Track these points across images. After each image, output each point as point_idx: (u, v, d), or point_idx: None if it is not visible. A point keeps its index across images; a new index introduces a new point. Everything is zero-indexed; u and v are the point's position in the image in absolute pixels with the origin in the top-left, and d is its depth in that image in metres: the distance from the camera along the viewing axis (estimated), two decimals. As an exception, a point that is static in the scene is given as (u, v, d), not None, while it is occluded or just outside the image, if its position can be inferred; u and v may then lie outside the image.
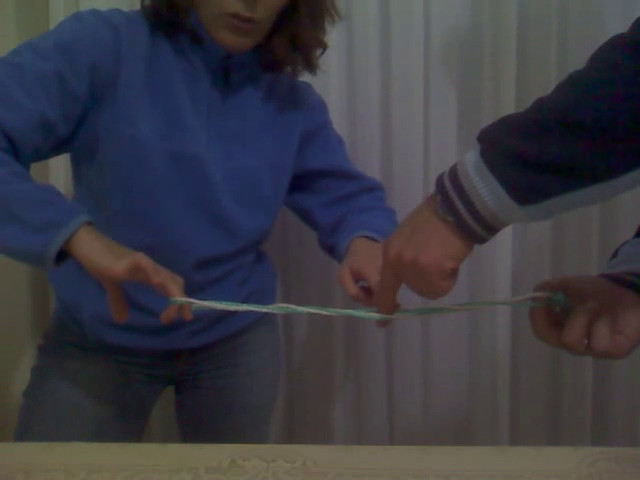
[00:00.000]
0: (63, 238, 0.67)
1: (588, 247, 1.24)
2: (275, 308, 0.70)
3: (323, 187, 1.03)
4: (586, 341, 0.55)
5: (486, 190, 0.50)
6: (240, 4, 0.80)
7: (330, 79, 1.21)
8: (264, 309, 0.69)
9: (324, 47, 0.94)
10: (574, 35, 1.19)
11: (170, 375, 1.00)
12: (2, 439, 0.75)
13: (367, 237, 0.91)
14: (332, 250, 0.99)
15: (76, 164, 0.89)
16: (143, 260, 0.66)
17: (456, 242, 0.54)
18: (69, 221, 0.68)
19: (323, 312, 0.66)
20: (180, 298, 0.67)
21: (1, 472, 0.65)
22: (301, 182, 1.02)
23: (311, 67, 0.94)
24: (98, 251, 0.67)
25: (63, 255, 0.68)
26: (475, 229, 0.52)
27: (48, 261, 0.67)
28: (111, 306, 0.71)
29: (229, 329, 0.98)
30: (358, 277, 0.80)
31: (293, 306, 0.66)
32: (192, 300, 0.68)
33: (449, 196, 0.53)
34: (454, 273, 0.55)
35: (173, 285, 0.68)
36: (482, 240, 0.54)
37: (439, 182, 0.55)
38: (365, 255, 0.84)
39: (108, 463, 0.66)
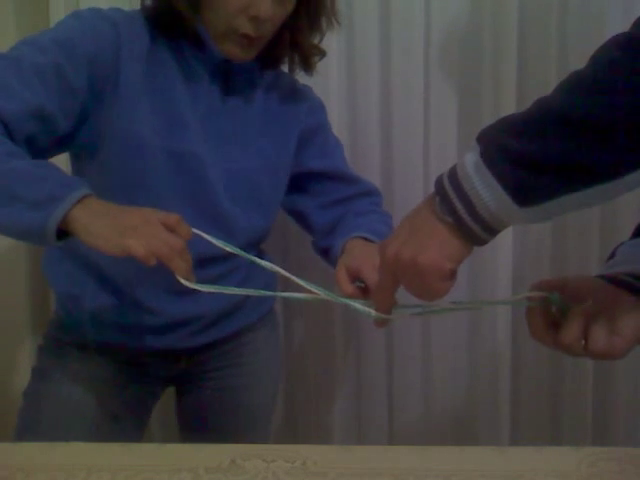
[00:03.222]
0: (61, 213, 0.65)
1: (588, 248, 1.24)
2: (271, 292, 0.70)
3: (320, 189, 1.02)
4: (583, 342, 0.55)
5: (486, 191, 0.50)
6: (250, 25, 0.81)
7: (330, 81, 1.21)
8: (251, 292, 0.68)
9: (322, 54, 0.95)
10: (574, 35, 1.19)
11: (171, 375, 1.00)
12: (2, 439, 0.75)
13: (363, 238, 0.90)
14: (327, 253, 0.98)
15: (77, 162, 0.89)
16: (136, 249, 0.63)
17: (455, 243, 0.53)
18: (66, 196, 0.66)
19: (322, 294, 0.65)
20: (184, 280, 0.66)
21: (1, 472, 0.64)
22: (298, 183, 1.02)
23: (308, 68, 0.95)
24: (93, 234, 0.65)
25: (64, 230, 0.67)
26: (475, 230, 0.52)
27: (49, 237, 0.65)
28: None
29: (229, 329, 0.98)
30: (355, 276, 0.79)
31: (296, 294, 0.67)
32: (195, 285, 0.67)
33: (448, 197, 0.53)
34: (452, 275, 0.55)
35: (176, 262, 0.66)
36: (482, 242, 0.54)
37: (438, 183, 0.55)
38: (361, 254, 0.83)
39: (108, 463, 0.66)
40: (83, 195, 0.67)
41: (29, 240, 0.70)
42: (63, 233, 0.67)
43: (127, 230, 0.65)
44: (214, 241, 0.71)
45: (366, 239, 0.90)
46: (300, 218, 1.06)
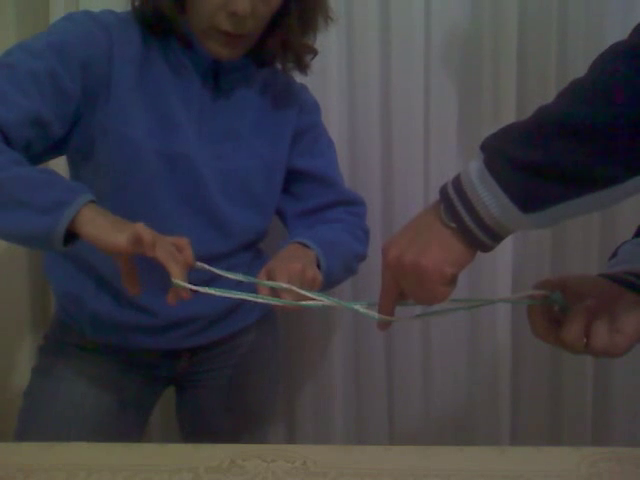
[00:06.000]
0: (69, 217, 0.66)
1: (588, 247, 1.24)
2: (278, 300, 0.70)
3: (303, 192, 1.01)
4: (585, 340, 0.55)
5: (490, 198, 0.51)
6: (230, 22, 0.81)
7: (330, 80, 1.20)
8: (251, 298, 0.68)
9: (314, 53, 0.94)
10: (574, 35, 1.18)
11: (171, 375, 1.00)
12: (2, 439, 0.75)
13: (301, 243, 0.89)
14: None
15: (73, 165, 0.89)
16: (143, 232, 0.64)
17: (459, 248, 0.54)
18: (73, 200, 0.67)
19: (324, 299, 0.66)
20: (179, 281, 0.66)
21: (1, 472, 0.65)
22: (284, 182, 1.00)
23: (301, 67, 0.95)
24: (101, 227, 0.66)
25: (70, 236, 0.67)
26: (480, 237, 0.53)
27: (56, 242, 0.66)
28: (123, 280, 0.69)
29: (229, 329, 0.98)
30: (270, 278, 0.76)
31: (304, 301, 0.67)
32: (191, 286, 0.66)
33: (453, 205, 0.53)
34: (453, 280, 0.55)
35: (173, 265, 0.66)
36: (487, 248, 0.54)
37: (443, 191, 0.55)
38: (282, 256, 0.83)
39: (108, 463, 0.66)
40: (89, 200, 0.68)
41: (34, 245, 0.71)
42: (68, 239, 0.67)
43: (130, 225, 0.66)
44: (218, 272, 0.71)
45: (303, 244, 0.89)
46: (280, 219, 1.05)
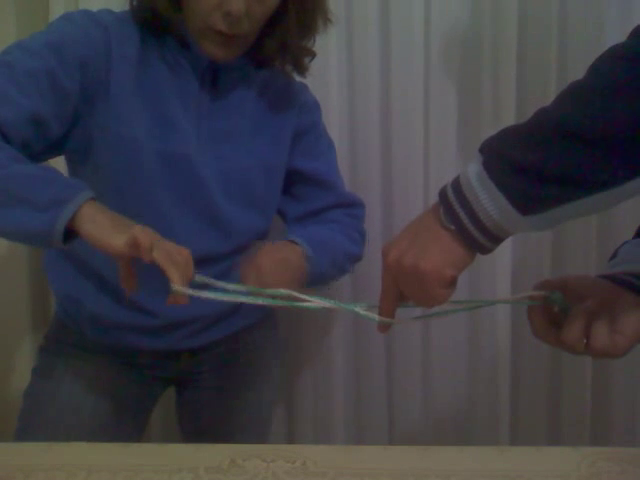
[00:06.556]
0: (68, 215, 0.65)
1: (588, 247, 1.24)
2: (278, 301, 0.69)
3: (303, 194, 1.01)
4: (585, 340, 0.55)
5: (489, 201, 0.51)
6: (225, 22, 0.81)
7: (330, 80, 1.21)
8: (250, 301, 0.67)
9: (312, 55, 0.94)
10: (574, 35, 1.19)
11: (171, 375, 1.00)
12: (2, 439, 0.75)
13: (293, 241, 0.89)
14: None
15: (72, 165, 0.89)
16: (141, 236, 0.63)
17: (458, 250, 0.54)
18: (73, 197, 0.66)
19: (323, 302, 0.65)
20: (178, 287, 0.65)
21: (1, 472, 0.65)
22: (285, 183, 1.00)
23: (300, 70, 0.94)
24: (100, 227, 0.65)
25: (69, 234, 0.67)
26: (479, 239, 0.53)
27: (56, 239, 0.65)
28: (121, 279, 0.68)
29: (229, 329, 0.98)
30: (257, 275, 0.76)
31: (298, 302, 0.66)
32: (190, 291, 0.66)
33: (452, 207, 0.53)
34: (453, 282, 0.55)
35: (173, 270, 0.65)
36: (486, 250, 0.54)
37: (442, 194, 0.55)
38: (270, 249, 0.82)
39: (108, 463, 0.66)
40: (89, 197, 0.68)
41: (34, 243, 0.71)
42: (68, 236, 0.67)
43: (129, 227, 0.65)
44: (217, 283, 0.70)
45: (295, 242, 0.89)
46: (282, 220, 1.05)
